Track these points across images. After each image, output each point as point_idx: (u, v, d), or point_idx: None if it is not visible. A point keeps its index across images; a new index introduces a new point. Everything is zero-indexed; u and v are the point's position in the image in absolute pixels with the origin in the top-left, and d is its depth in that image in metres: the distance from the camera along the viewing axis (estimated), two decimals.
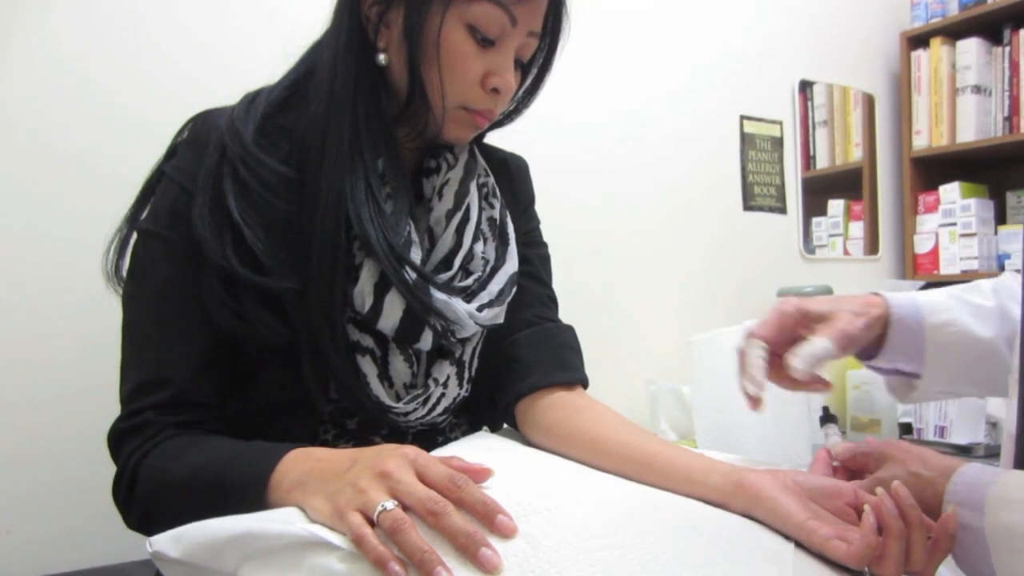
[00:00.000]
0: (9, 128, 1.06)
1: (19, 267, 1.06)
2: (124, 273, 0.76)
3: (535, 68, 0.83)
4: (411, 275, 0.72)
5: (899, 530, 0.55)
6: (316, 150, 0.73)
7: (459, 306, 0.76)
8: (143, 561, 1.00)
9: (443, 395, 0.79)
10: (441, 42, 0.72)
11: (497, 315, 0.82)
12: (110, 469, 0.70)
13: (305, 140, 0.74)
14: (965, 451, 1.52)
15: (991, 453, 1.51)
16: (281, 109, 0.76)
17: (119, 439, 0.69)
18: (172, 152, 0.77)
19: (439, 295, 0.74)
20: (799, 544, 0.58)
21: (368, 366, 0.74)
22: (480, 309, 0.78)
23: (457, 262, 0.79)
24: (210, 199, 0.70)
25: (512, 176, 0.95)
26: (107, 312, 0.76)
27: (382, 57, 0.75)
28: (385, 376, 0.76)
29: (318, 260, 0.71)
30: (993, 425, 1.58)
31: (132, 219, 0.77)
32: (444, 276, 0.77)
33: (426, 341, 0.76)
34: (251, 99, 0.77)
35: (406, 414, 0.76)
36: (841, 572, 0.56)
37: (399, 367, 0.76)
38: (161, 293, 0.72)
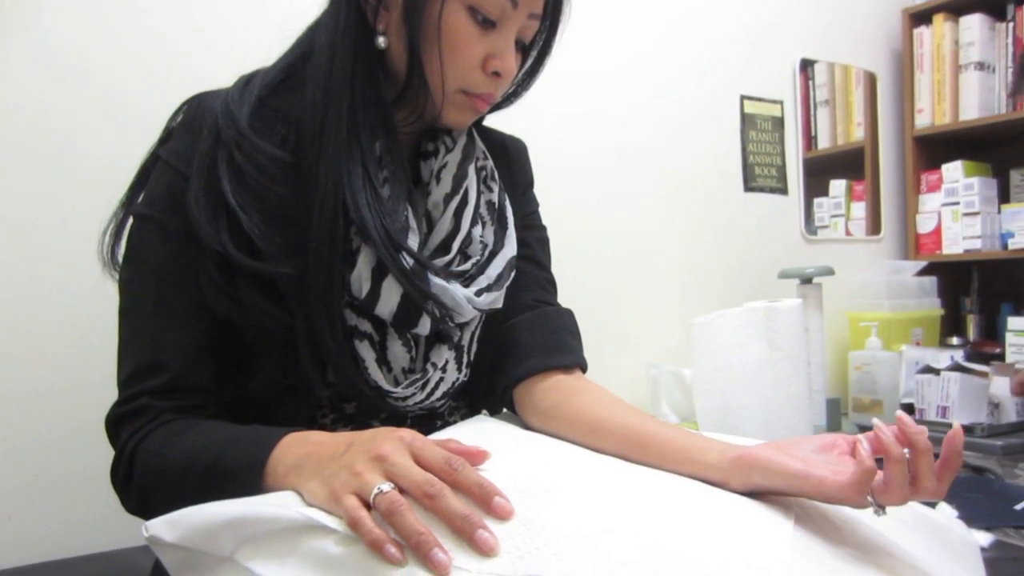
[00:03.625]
0: (2, 117, 1.05)
1: (18, 258, 1.06)
2: (120, 258, 0.75)
3: (535, 50, 0.82)
4: (408, 261, 0.72)
5: (898, 454, 0.54)
6: (313, 135, 0.72)
7: (457, 291, 0.75)
8: (143, 547, 1.00)
9: (442, 379, 0.79)
10: (442, 25, 0.71)
11: (496, 299, 0.81)
12: (111, 456, 0.70)
13: (302, 124, 0.73)
14: (967, 431, 1.52)
15: (993, 433, 1.51)
16: (277, 92, 0.76)
17: (116, 424, 0.69)
18: (167, 136, 0.77)
19: (437, 280, 0.74)
20: (798, 522, 0.57)
21: (366, 351, 0.74)
22: (479, 294, 0.78)
23: (455, 246, 0.78)
24: (205, 183, 0.70)
25: (511, 159, 0.94)
26: (106, 300, 0.75)
27: (381, 40, 0.74)
28: (383, 361, 0.75)
29: (316, 246, 0.70)
30: (996, 405, 1.57)
31: (127, 204, 0.76)
32: (442, 261, 0.77)
33: (424, 326, 0.75)
34: (246, 82, 0.76)
35: (405, 399, 0.76)
36: (841, 547, 0.56)
37: (397, 352, 0.76)
38: (157, 278, 0.71)
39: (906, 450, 0.55)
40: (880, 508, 0.56)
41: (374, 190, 0.72)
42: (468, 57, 0.73)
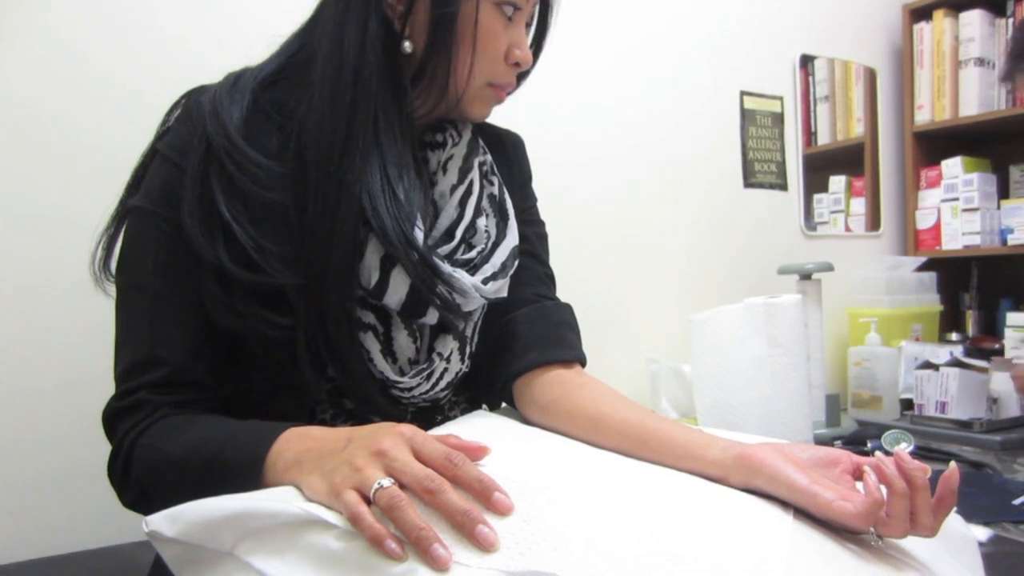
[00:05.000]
0: (4, 112, 1.05)
1: (19, 253, 1.05)
2: (112, 269, 0.75)
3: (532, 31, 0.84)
4: (415, 256, 0.72)
5: (901, 489, 0.55)
6: (331, 142, 0.71)
7: (464, 278, 0.75)
8: (144, 542, 1.00)
9: (446, 370, 0.79)
10: (479, 26, 0.74)
11: (501, 288, 0.81)
12: (109, 450, 0.70)
13: (305, 128, 0.72)
14: (966, 426, 1.52)
15: (992, 428, 1.51)
16: (274, 91, 0.75)
17: (114, 419, 0.69)
18: (165, 130, 0.76)
19: (444, 268, 0.74)
20: (797, 516, 0.58)
21: (371, 342, 0.74)
22: (485, 282, 0.78)
23: (459, 233, 0.78)
24: (198, 197, 0.70)
25: (508, 153, 0.95)
26: (106, 295, 0.75)
27: (407, 44, 0.75)
28: (389, 352, 0.75)
29: (339, 255, 0.70)
30: (994, 401, 1.58)
31: (124, 203, 0.76)
32: (446, 248, 0.77)
33: (432, 315, 0.75)
34: (233, 82, 0.76)
35: (411, 389, 0.76)
36: (840, 543, 0.56)
37: (403, 342, 0.76)
38: (154, 272, 0.71)
39: None
40: (878, 538, 0.56)
41: (392, 193, 0.72)
42: (496, 51, 0.76)
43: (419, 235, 0.73)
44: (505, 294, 0.83)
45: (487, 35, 0.75)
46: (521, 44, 0.78)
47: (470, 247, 0.80)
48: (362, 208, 0.71)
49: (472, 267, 0.78)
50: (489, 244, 0.81)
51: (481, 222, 0.81)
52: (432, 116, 0.81)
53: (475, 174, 0.82)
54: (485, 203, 0.83)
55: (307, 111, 0.73)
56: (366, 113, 0.72)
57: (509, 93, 0.86)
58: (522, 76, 0.86)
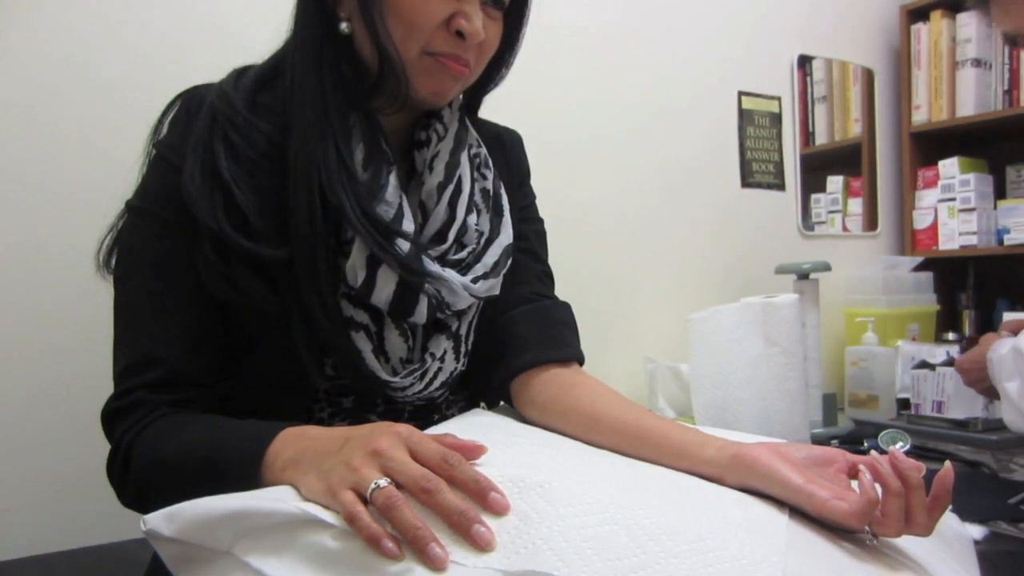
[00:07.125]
0: (3, 111, 1.05)
1: (21, 252, 1.06)
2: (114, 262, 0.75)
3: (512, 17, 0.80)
4: (403, 247, 0.72)
5: (896, 487, 0.55)
6: (290, 121, 0.73)
7: (454, 278, 0.75)
8: (142, 540, 1.00)
9: (440, 369, 0.79)
10: None
11: (492, 287, 0.81)
12: (108, 448, 0.70)
13: (285, 114, 0.74)
14: (962, 426, 1.52)
15: (988, 428, 1.52)
16: (267, 87, 0.76)
17: (112, 418, 0.69)
18: (161, 130, 0.76)
19: (433, 267, 0.74)
20: (793, 515, 0.58)
21: (363, 342, 0.74)
22: (475, 281, 0.78)
23: (451, 235, 0.78)
24: (201, 161, 0.70)
25: (506, 150, 0.94)
26: (106, 295, 0.75)
27: (344, 26, 0.74)
28: (381, 351, 0.75)
29: (295, 228, 0.70)
30: (991, 400, 1.58)
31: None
32: (438, 250, 0.77)
33: (421, 314, 0.75)
34: (239, 73, 0.77)
35: (403, 388, 0.76)
36: (836, 541, 0.56)
37: (395, 342, 0.76)
38: (151, 271, 0.71)
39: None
40: (873, 537, 0.57)
41: (348, 171, 0.72)
42: (425, 16, 0.71)
43: (386, 214, 0.72)
44: (497, 292, 0.82)
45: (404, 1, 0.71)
46: (468, 15, 0.72)
47: (462, 247, 0.80)
48: (320, 185, 0.70)
49: (463, 267, 0.78)
50: (481, 243, 0.81)
51: (472, 220, 0.81)
52: (411, 108, 0.78)
53: (464, 169, 0.81)
54: (478, 198, 0.83)
55: (284, 101, 0.74)
56: (303, 94, 0.72)
57: (488, 82, 0.85)
58: (498, 65, 0.83)
